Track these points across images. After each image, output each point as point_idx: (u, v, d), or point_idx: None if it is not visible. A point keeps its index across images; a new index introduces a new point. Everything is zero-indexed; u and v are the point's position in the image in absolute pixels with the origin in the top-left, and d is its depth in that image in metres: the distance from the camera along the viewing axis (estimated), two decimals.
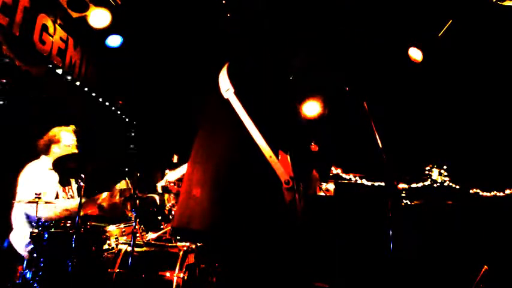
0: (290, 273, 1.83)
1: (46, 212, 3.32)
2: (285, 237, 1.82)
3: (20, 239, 3.32)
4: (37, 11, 4.32)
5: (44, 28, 4.43)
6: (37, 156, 3.69)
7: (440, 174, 11.06)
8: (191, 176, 2.00)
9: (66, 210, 3.43)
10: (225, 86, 2.03)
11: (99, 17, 4.66)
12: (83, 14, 4.67)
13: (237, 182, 1.89)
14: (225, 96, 2.02)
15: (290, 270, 1.83)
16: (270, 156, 1.84)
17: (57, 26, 4.66)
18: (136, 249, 3.31)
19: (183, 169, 4.34)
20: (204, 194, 1.88)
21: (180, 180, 4.89)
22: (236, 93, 2.00)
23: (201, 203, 1.87)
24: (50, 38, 4.55)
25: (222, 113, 2.03)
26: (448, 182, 11.02)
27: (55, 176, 3.63)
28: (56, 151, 3.70)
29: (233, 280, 1.87)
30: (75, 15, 4.75)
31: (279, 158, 1.86)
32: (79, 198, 3.02)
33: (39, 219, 3.01)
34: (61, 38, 4.76)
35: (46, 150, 3.71)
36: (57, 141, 3.74)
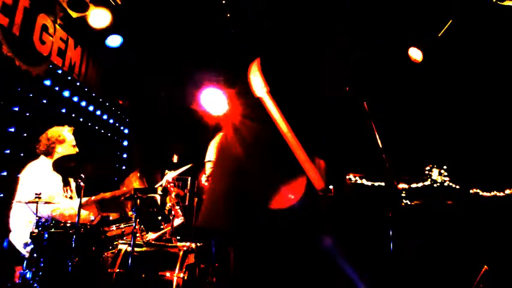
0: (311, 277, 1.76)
1: (48, 211, 3.32)
2: (313, 243, 1.76)
3: (20, 238, 3.32)
4: (37, 11, 4.32)
5: (44, 28, 4.43)
6: (37, 157, 3.68)
7: (440, 174, 11.06)
8: (217, 176, 1.88)
9: (69, 216, 3.42)
10: (258, 84, 1.87)
11: (99, 17, 4.66)
12: (83, 14, 4.67)
13: (267, 185, 1.76)
14: (258, 95, 1.86)
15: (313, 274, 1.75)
16: (305, 161, 1.71)
17: (57, 26, 4.66)
18: (136, 249, 3.31)
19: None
20: (231, 195, 1.75)
21: (178, 180, 4.88)
22: (270, 92, 1.84)
23: (225, 205, 1.75)
24: (50, 38, 4.55)
25: (253, 112, 1.86)
26: (448, 182, 11.02)
27: (57, 177, 3.60)
28: (60, 151, 3.63)
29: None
30: (75, 15, 4.75)
31: (314, 163, 1.72)
32: (78, 199, 3.02)
33: (39, 218, 3.01)
34: (61, 38, 4.77)
35: (49, 151, 3.62)
36: (62, 141, 3.67)
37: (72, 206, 3.47)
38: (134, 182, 5.00)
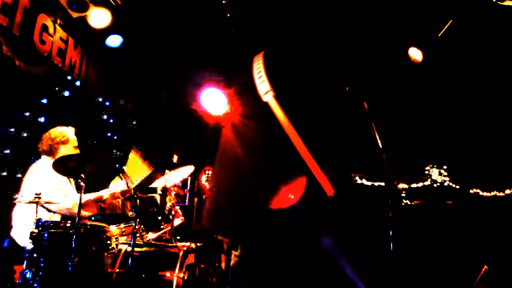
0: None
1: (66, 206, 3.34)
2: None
3: (25, 233, 3.29)
4: (37, 11, 4.32)
5: (44, 28, 4.43)
6: (39, 157, 3.67)
7: (440, 174, 11.06)
8: (219, 176, 1.83)
9: (67, 209, 3.44)
10: (264, 88, 1.78)
11: (99, 17, 4.66)
12: (83, 14, 4.67)
13: (267, 185, 1.70)
14: (264, 99, 1.77)
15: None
16: (314, 168, 1.64)
17: (57, 26, 4.66)
18: (136, 249, 3.31)
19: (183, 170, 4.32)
20: (235, 200, 1.69)
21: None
22: (276, 96, 1.76)
23: (230, 209, 1.70)
24: (50, 38, 4.55)
25: (258, 117, 1.78)
26: (448, 182, 11.02)
27: (61, 177, 3.58)
28: (63, 151, 3.60)
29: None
30: (75, 15, 4.75)
31: (323, 170, 1.66)
32: (78, 198, 3.02)
33: (38, 219, 3.02)
34: (61, 38, 4.76)
35: (52, 151, 3.60)
36: (66, 142, 3.64)
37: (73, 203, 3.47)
38: (141, 164, 4.94)
